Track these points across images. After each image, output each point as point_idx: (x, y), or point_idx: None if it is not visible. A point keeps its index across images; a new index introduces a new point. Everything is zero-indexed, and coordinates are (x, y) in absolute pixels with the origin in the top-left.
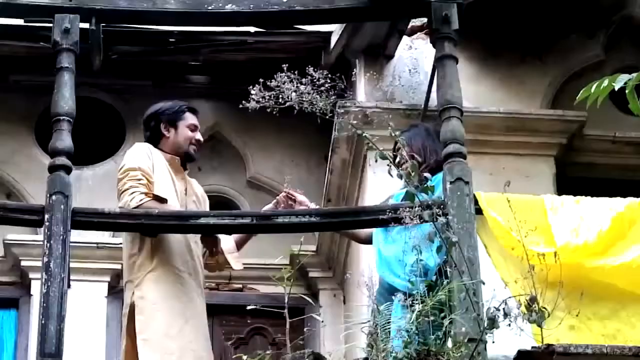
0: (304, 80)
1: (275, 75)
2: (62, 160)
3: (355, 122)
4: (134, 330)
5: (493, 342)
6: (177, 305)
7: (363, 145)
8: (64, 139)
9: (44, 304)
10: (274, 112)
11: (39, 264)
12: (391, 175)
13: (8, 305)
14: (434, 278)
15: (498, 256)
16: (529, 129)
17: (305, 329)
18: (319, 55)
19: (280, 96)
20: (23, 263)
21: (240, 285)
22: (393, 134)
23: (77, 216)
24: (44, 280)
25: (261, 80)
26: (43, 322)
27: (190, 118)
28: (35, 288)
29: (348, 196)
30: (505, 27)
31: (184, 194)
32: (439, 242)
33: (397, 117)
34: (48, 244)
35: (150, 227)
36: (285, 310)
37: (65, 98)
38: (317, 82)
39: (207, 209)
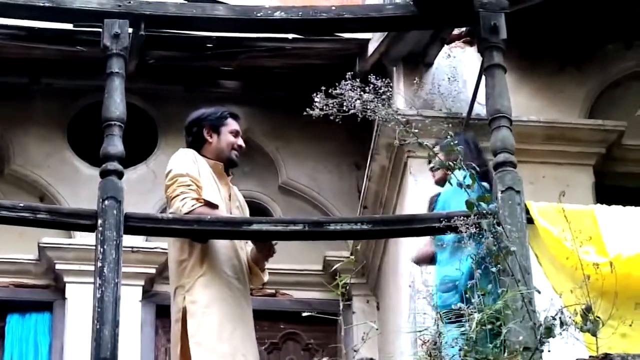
0: (367, 88)
1: (338, 83)
2: (114, 165)
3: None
4: (187, 334)
5: (549, 350)
6: (227, 309)
7: (404, 153)
8: (116, 144)
9: (99, 309)
10: (337, 119)
11: (74, 267)
12: (450, 184)
13: (42, 308)
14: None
15: (549, 265)
16: (569, 138)
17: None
18: (353, 62)
19: (345, 104)
20: (57, 266)
21: (273, 291)
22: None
23: (129, 221)
24: (97, 285)
25: (323, 88)
26: (98, 327)
27: (232, 124)
28: (70, 291)
29: (386, 203)
30: (543, 37)
31: (228, 199)
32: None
33: (439, 125)
34: (101, 249)
35: (203, 233)
36: (340, 318)
37: (117, 103)
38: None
39: (248, 215)
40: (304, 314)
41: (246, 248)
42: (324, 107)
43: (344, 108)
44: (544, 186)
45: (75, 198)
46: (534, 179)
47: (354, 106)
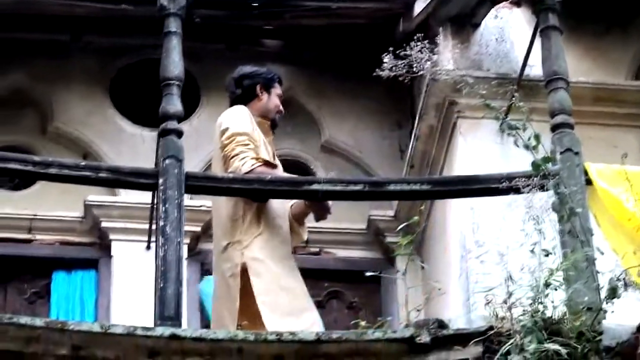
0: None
1: (407, 45)
2: (174, 124)
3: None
4: (247, 290)
5: (612, 312)
6: (287, 268)
7: (453, 113)
8: (175, 103)
9: (162, 268)
10: (406, 80)
11: (119, 225)
12: (517, 146)
13: (88, 265)
14: None
15: (609, 227)
16: (616, 100)
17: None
18: (396, 23)
19: (415, 65)
20: (103, 224)
21: (317, 249)
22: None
23: (190, 181)
24: (160, 243)
25: (391, 48)
26: (162, 285)
27: (278, 87)
28: (116, 249)
29: (433, 163)
30: None
31: (273, 158)
32: None
33: (489, 85)
34: (164, 208)
35: (263, 193)
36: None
37: (175, 62)
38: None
39: None
40: (367, 274)
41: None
42: (393, 68)
43: (414, 69)
44: (592, 147)
45: (118, 156)
46: (582, 140)
47: (424, 67)
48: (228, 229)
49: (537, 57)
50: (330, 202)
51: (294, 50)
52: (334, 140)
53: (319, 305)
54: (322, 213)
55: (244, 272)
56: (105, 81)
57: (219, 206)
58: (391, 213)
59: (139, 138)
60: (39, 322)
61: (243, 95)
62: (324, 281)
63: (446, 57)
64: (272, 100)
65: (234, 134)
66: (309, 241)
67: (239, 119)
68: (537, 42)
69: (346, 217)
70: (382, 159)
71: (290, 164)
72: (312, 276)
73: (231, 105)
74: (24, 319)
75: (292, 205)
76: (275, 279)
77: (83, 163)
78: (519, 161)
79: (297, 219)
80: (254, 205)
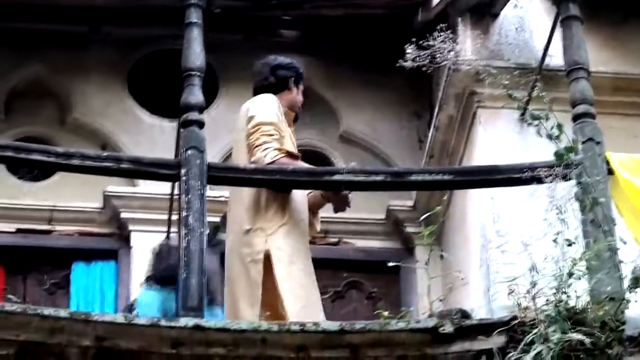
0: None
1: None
2: (195, 115)
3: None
4: (267, 277)
5: (636, 301)
6: (306, 260)
7: (473, 103)
8: (196, 94)
9: (185, 258)
10: (429, 71)
11: (139, 215)
12: (540, 135)
13: (107, 256)
14: None
15: (631, 216)
16: (636, 89)
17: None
18: (415, 13)
19: (438, 55)
20: (122, 215)
21: (336, 239)
22: None
23: (212, 171)
24: (183, 234)
25: (414, 39)
26: (185, 276)
27: (302, 84)
28: (135, 240)
29: (452, 153)
30: None
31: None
32: None
33: (509, 75)
34: (186, 199)
35: (285, 183)
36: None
37: (196, 53)
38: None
39: None
40: (390, 264)
41: None
42: (416, 58)
43: (438, 59)
44: (613, 137)
45: (137, 146)
46: (602, 130)
47: (447, 58)
48: (251, 214)
49: (557, 47)
50: (350, 195)
51: (312, 40)
52: (352, 130)
53: (339, 296)
54: (341, 205)
55: (267, 259)
56: (124, 72)
57: (242, 189)
58: (410, 203)
59: (157, 129)
60: (63, 313)
61: (276, 85)
62: (343, 271)
63: (466, 47)
64: (299, 95)
65: (259, 123)
66: (328, 231)
67: (267, 108)
68: (556, 31)
69: (365, 207)
70: (401, 149)
71: (308, 154)
72: (331, 266)
73: (256, 91)
74: (48, 310)
75: (307, 195)
76: (297, 270)
77: (105, 154)
78: (538, 151)
79: (312, 210)
80: (279, 194)
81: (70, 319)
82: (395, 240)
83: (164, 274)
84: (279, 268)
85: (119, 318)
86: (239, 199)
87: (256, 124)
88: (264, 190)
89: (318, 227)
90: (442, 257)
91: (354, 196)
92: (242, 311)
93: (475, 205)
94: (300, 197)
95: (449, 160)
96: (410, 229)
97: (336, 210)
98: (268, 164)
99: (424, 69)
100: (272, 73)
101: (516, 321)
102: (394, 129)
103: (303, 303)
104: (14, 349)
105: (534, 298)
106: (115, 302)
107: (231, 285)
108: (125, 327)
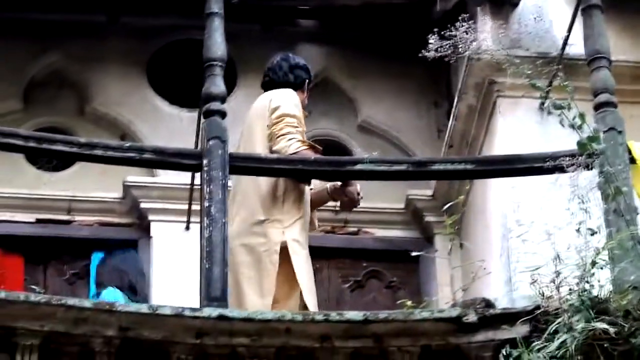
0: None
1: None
2: (217, 105)
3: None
4: (282, 268)
5: None
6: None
7: (493, 93)
8: (218, 84)
9: (207, 249)
10: (451, 61)
11: (158, 205)
12: (562, 125)
13: (127, 246)
14: None
15: None
16: None
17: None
18: (433, 1)
19: (460, 46)
20: (142, 205)
21: (356, 229)
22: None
23: (234, 161)
24: (205, 224)
25: (436, 29)
26: (207, 266)
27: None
28: (155, 230)
29: (472, 143)
30: None
31: None
32: None
33: (529, 64)
34: (208, 189)
35: (307, 173)
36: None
37: (218, 43)
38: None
39: None
40: (413, 254)
41: None
42: (438, 49)
43: (460, 49)
44: (633, 126)
45: (156, 136)
46: (623, 119)
47: (469, 48)
48: (266, 205)
49: (577, 36)
50: (359, 194)
51: (330, 30)
52: (371, 120)
53: (358, 285)
54: (349, 205)
55: (283, 250)
56: (143, 62)
57: (256, 179)
58: (429, 192)
59: (176, 118)
60: (87, 303)
61: (293, 83)
62: (362, 261)
63: (486, 36)
64: (306, 99)
65: (284, 114)
66: (348, 221)
67: (291, 101)
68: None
69: (384, 196)
70: (419, 138)
71: (327, 144)
72: (350, 256)
73: (274, 84)
74: (73, 301)
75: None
76: (309, 265)
77: (128, 144)
78: (558, 140)
79: (313, 207)
80: (296, 188)
81: (95, 309)
82: (415, 229)
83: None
84: (295, 258)
85: (143, 308)
86: (249, 189)
87: (281, 114)
88: (281, 183)
89: (317, 224)
90: (462, 246)
91: (373, 186)
92: (249, 301)
93: (496, 195)
94: (307, 192)
95: (469, 150)
96: (429, 218)
97: (342, 209)
98: (291, 154)
99: (446, 59)
100: (291, 71)
101: (539, 310)
102: (412, 119)
103: (314, 295)
104: (38, 339)
105: (558, 287)
106: None
107: (235, 275)
108: (149, 317)
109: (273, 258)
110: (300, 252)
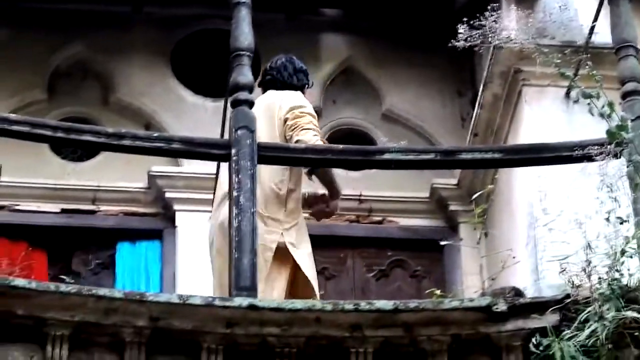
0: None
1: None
2: (245, 95)
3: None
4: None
5: None
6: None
7: (518, 81)
8: (246, 74)
9: (236, 238)
10: (480, 51)
11: (183, 195)
12: (592, 114)
13: (152, 236)
14: None
15: None
16: None
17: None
18: None
19: (490, 35)
20: (167, 195)
21: (380, 218)
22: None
23: (262, 151)
24: (234, 214)
25: (465, 19)
26: (236, 256)
27: None
28: (180, 219)
29: (497, 131)
30: None
31: None
32: None
33: (555, 53)
34: (237, 179)
35: (335, 163)
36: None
37: (245, 33)
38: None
39: None
40: (442, 242)
41: None
42: (468, 38)
43: (489, 39)
44: None
45: (180, 126)
46: None
47: (499, 37)
48: (270, 201)
49: (601, 24)
50: (336, 209)
51: (354, 19)
52: (395, 109)
53: (383, 274)
54: (321, 215)
55: (278, 250)
56: (166, 52)
57: (261, 172)
58: (454, 181)
59: (200, 108)
60: (117, 293)
61: (296, 86)
62: (387, 250)
63: (511, 25)
64: None
65: (307, 113)
66: (372, 210)
67: (309, 104)
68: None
69: (409, 185)
70: (443, 127)
71: (351, 133)
72: (375, 245)
73: (269, 84)
74: (103, 291)
75: None
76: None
77: (156, 134)
78: (584, 128)
79: None
80: (298, 191)
81: (125, 299)
82: (440, 218)
83: None
84: (296, 253)
85: (174, 298)
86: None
87: (306, 111)
88: (285, 182)
89: None
90: (486, 235)
91: (397, 175)
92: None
93: (522, 183)
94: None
95: (494, 139)
96: (454, 207)
97: (314, 216)
98: None
99: (475, 48)
100: (295, 74)
101: (569, 299)
102: (436, 107)
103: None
104: (68, 329)
105: (589, 276)
106: (160, 282)
107: (222, 259)
108: (179, 307)
109: (267, 254)
110: (297, 251)
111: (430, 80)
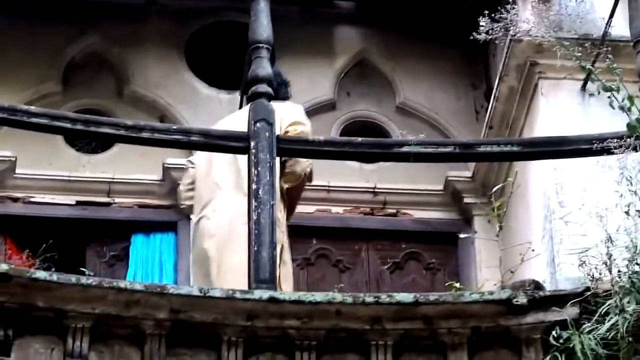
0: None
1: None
2: (264, 87)
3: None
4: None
5: None
6: None
7: (535, 74)
8: (265, 67)
9: (256, 231)
10: (501, 43)
11: None
12: (612, 107)
13: (167, 228)
14: None
15: None
16: None
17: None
18: None
19: (511, 28)
20: (181, 187)
21: (394, 210)
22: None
23: (281, 143)
24: (253, 207)
25: (486, 12)
26: (256, 249)
27: None
28: None
29: (512, 124)
30: None
31: None
32: None
33: (571, 46)
34: (255, 171)
35: (354, 155)
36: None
37: (264, 26)
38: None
39: None
40: (461, 235)
41: None
42: (489, 31)
43: (511, 32)
44: None
45: (194, 118)
46: None
47: (519, 30)
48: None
49: (618, 17)
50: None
51: (368, 11)
52: (409, 101)
53: (397, 267)
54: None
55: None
56: (181, 44)
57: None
58: (469, 174)
59: (215, 100)
60: (138, 286)
61: (280, 97)
62: (401, 242)
63: (527, 18)
64: None
65: (308, 132)
66: (387, 202)
67: (309, 122)
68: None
69: (423, 178)
70: (458, 120)
71: (365, 126)
72: (390, 237)
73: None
74: (124, 283)
75: None
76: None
77: (174, 127)
78: (600, 121)
79: None
80: (302, 188)
81: (146, 292)
82: (454, 211)
83: None
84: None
85: (195, 291)
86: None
87: (304, 130)
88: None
89: None
90: (501, 228)
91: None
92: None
93: (538, 176)
94: None
95: (509, 132)
96: (468, 200)
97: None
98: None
99: (496, 41)
100: (280, 86)
101: (589, 292)
102: (450, 100)
103: None
104: (89, 322)
105: (610, 269)
106: (175, 274)
107: (215, 242)
108: (200, 299)
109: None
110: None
111: (445, 73)
